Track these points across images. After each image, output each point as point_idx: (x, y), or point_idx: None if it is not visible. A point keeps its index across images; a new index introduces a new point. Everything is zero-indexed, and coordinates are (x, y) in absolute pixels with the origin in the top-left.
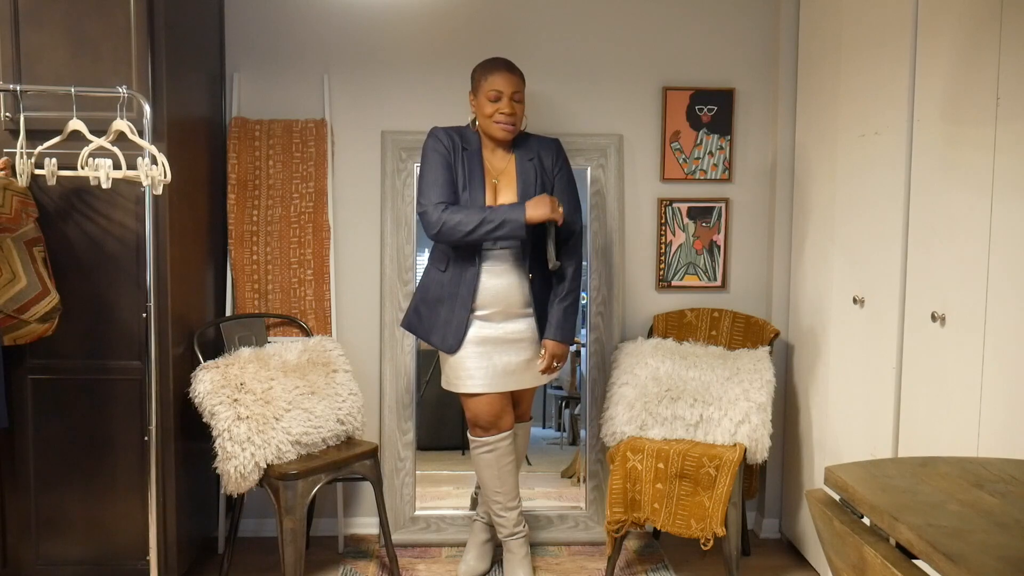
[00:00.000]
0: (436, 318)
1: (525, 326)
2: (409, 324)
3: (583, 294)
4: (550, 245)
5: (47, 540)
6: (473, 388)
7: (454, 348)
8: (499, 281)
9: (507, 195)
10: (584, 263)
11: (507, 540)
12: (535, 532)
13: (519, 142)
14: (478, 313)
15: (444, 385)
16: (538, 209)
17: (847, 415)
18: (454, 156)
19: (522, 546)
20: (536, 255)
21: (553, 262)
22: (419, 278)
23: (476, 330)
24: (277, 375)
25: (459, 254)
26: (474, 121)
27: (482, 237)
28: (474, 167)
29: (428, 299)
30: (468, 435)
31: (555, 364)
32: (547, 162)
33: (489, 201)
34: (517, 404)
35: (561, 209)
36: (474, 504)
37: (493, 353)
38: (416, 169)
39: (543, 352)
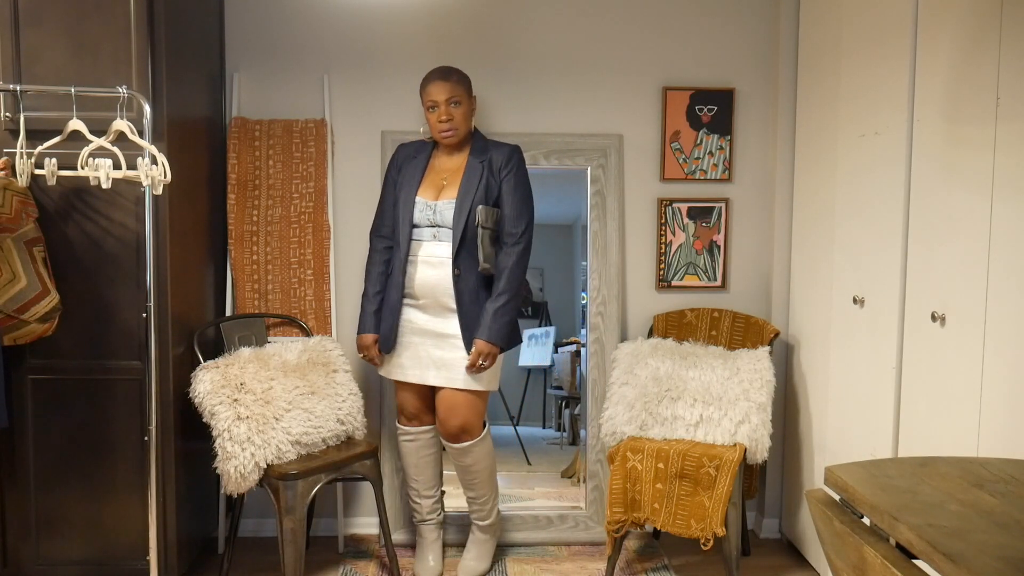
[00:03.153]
0: (385, 317)
1: (454, 323)
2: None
3: (582, 294)
4: (479, 247)
5: (47, 540)
6: (401, 376)
7: (391, 346)
8: (433, 272)
9: (452, 192)
10: (583, 263)
11: (419, 524)
12: (535, 532)
13: (478, 146)
14: (413, 302)
15: (380, 371)
16: (360, 339)
17: (847, 415)
18: (401, 168)
19: (433, 531)
20: (465, 252)
21: (481, 264)
22: None
23: (413, 319)
24: (277, 375)
25: (398, 253)
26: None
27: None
28: (415, 172)
29: (386, 302)
30: (396, 422)
31: (481, 363)
32: (496, 164)
33: (431, 198)
34: (451, 414)
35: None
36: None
37: (424, 346)
38: None
39: (474, 348)
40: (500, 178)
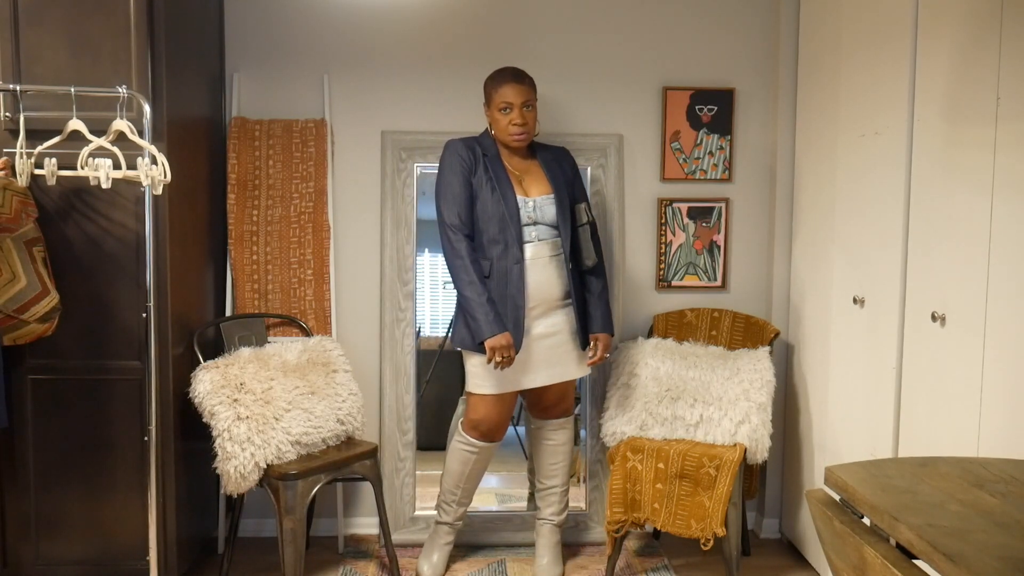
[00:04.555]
0: (507, 317)
1: (562, 318)
2: (462, 342)
3: None
4: (591, 243)
5: (47, 540)
6: (526, 384)
7: (519, 347)
8: (540, 275)
9: (539, 188)
10: None
11: (438, 524)
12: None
13: (535, 147)
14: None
15: (477, 389)
16: (498, 341)
17: (847, 415)
18: (475, 165)
19: (449, 534)
20: (571, 247)
21: (593, 259)
22: (419, 279)
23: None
24: (277, 375)
25: (501, 253)
26: (488, 129)
27: (456, 286)
28: (499, 170)
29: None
30: (460, 429)
31: (605, 355)
32: (565, 167)
33: (520, 194)
34: (561, 399)
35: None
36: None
37: (538, 350)
38: (416, 169)
39: (593, 344)
40: (571, 178)
